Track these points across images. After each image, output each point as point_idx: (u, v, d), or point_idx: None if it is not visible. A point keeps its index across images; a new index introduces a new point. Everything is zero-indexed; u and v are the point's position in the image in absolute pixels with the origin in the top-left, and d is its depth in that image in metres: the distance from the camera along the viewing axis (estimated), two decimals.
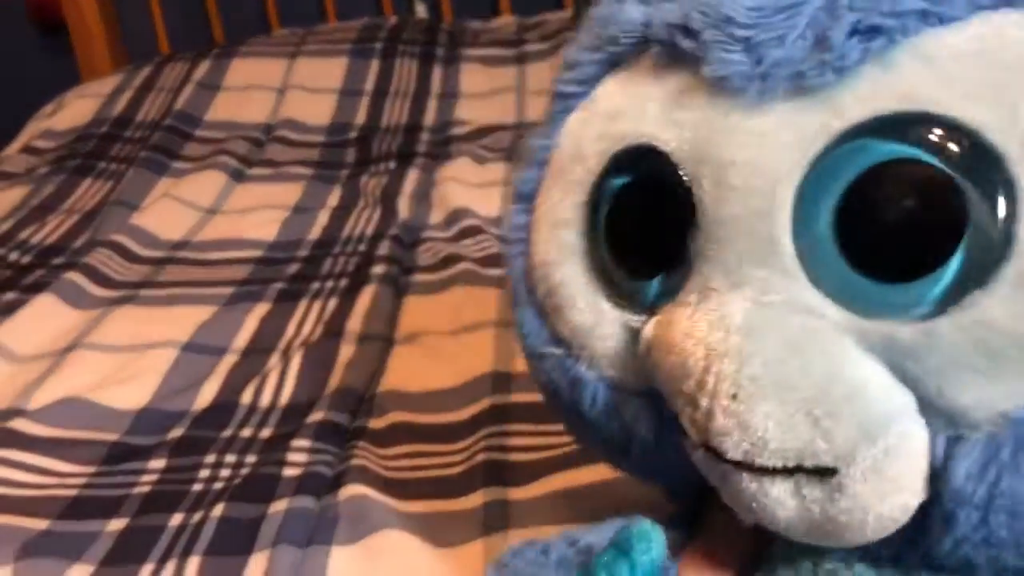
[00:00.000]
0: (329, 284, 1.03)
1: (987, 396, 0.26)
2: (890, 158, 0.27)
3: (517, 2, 1.69)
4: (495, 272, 0.98)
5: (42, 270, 1.10)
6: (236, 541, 0.64)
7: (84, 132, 1.46)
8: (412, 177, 1.27)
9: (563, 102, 0.36)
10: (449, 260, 1.03)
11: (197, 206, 1.24)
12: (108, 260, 1.09)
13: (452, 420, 0.77)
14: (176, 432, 0.79)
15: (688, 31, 0.30)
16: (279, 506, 0.67)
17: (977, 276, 0.26)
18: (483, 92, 1.47)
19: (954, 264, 0.26)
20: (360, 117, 1.45)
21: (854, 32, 0.27)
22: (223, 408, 0.82)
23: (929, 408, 0.27)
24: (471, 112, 1.43)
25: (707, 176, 0.29)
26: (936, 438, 0.27)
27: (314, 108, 1.46)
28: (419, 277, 1.02)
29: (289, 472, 0.71)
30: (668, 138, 0.30)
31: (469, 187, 1.21)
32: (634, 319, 0.32)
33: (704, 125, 0.29)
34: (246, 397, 0.83)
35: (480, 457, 0.71)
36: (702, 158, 0.29)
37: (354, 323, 0.92)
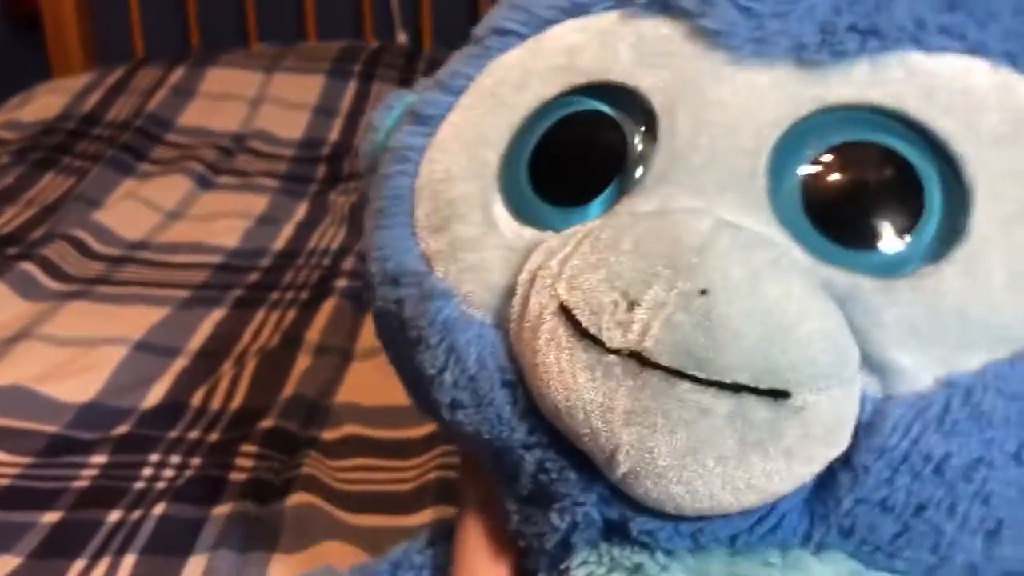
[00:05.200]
0: (289, 295, 1.01)
1: (922, 360, 0.28)
2: (869, 139, 0.30)
3: None
4: None
5: None
6: (175, 541, 0.63)
7: (50, 126, 1.43)
8: None
9: (501, 39, 0.36)
10: None
11: (160, 208, 1.22)
12: (65, 254, 1.07)
13: (407, 436, 0.76)
14: (121, 429, 0.76)
15: None
16: (222, 509, 0.65)
17: (937, 252, 0.29)
18: None
19: (926, 236, 0.29)
20: (333, 135, 1.44)
21: (853, 28, 0.30)
22: (172, 408, 0.80)
23: (866, 364, 0.29)
24: None
25: (684, 110, 0.31)
26: (865, 394, 0.29)
27: (287, 122, 1.45)
28: None
29: (235, 476, 0.69)
30: (641, 76, 0.32)
31: None
32: (546, 234, 0.32)
33: (689, 68, 0.31)
34: (196, 399, 0.81)
35: (433, 475, 0.70)
36: (681, 95, 0.31)
37: (312, 334, 0.91)
